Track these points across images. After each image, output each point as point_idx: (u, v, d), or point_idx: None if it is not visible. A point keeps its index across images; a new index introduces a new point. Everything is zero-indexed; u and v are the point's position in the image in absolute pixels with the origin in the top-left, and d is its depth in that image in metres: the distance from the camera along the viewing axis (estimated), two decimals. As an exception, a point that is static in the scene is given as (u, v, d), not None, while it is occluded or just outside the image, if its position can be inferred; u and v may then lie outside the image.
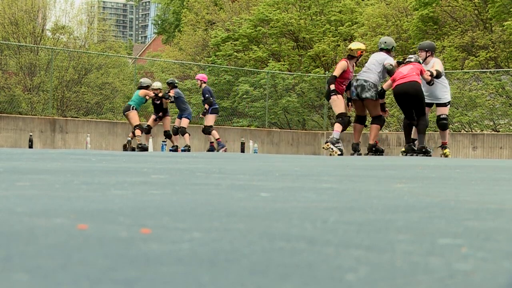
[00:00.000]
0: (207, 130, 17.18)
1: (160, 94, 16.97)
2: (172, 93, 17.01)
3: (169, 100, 17.03)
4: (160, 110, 17.26)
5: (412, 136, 13.19)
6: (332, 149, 13.25)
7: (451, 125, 21.22)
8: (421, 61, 13.01)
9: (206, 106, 17.10)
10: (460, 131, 20.94)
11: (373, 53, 14.75)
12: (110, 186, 3.26)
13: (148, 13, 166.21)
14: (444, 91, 13.11)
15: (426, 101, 12.80)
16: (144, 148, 16.69)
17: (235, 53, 29.98)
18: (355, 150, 13.60)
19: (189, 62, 29.49)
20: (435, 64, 12.94)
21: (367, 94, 12.87)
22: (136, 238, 1.55)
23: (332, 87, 13.11)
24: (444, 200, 2.88)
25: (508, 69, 22.60)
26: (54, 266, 1.20)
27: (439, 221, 2.06)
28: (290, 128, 24.11)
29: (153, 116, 17.42)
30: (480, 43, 25.26)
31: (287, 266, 1.24)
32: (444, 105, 13.16)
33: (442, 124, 13.18)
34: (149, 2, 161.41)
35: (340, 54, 28.08)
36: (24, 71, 22.64)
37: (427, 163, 8.63)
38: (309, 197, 2.90)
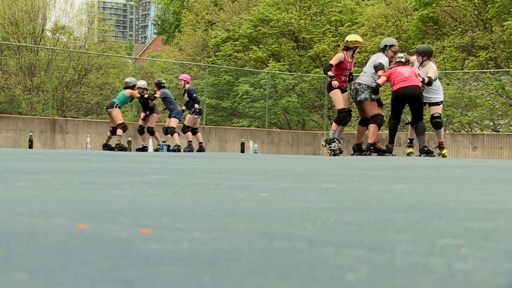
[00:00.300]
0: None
1: (146, 95, 17.08)
2: (158, 94, 17.10)
3: (152, 100, 17.15)
4: (147, 108, 17.39)
5: (409, 136, 13.44)
6: (331, 150, 13.59)
7: (451, 125, 21.23)
8: (417, 64, 13.17)
9: (197, 106, 17.16)
10: (460, 131, 20.94)
11: (374, 53, 14.84)
12: (110, 186, 3.26)
13: (148, 13, 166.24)
14: (435, 91, 13.17)
15: None
16: (123, 148, 16.84)
17: (235, 53, 29.98)
18: (355, 150, 13.68)
19: (189, 63, 29.49)
20: (430, 70, 13.00)
21: (361, 97, 13.11)
22: (136, 238, 1.55)
23: (330, 73, 13.26)
24: (444, 200, 2.88)
25: (508, 69, 22.60)
26: (54, 266, 1.20)
27: (439, 221, 2.06)
28: (290, 128, 24.11)
29: (142, 115, 17.57)
30: (480, 43, 25.27)
31: (287, 266, 1.24)
32: (436, 104, 13.21)
33: (436, 122, 13.21)
34: (149, 2, 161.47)
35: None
36: (24, 71, 22.65)
37: (427, 163, 8.63)
38: (309, 197, 2.91)
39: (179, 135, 17.36)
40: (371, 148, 13.27)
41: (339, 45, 29.35)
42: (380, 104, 13.36)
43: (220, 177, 4.39)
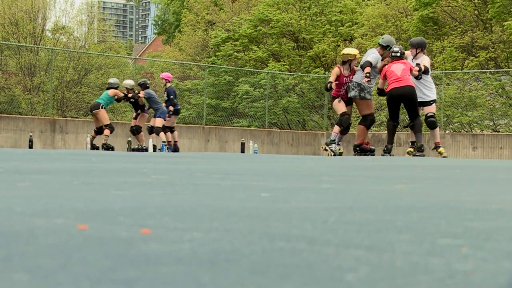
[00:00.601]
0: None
1: (130, 95, 17.13)
2: (142, 94, 17.14)
3: (133, 100, 17.21)
4: (138, 108, 17.47)
5: (410, 139, 13.62)
6: (331, 150, 13.74)
7: (451, 125, 21.23)
8: (411, 56, 13.30)
9: (171, 108, 17.19)
10: (460, 131, 20.93)
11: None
12: (110, 186, 3.26)
13: (148, 14, 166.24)
14: (427, 90, 13.23)
15: None
16: (109, 148, 16.90)
17: (235, 53, 29.97)
18: (355, 150, 13.87)
19: (189, 63, 29.48)
20: (424, 60, 13.22)
21: (351, 94, 13.42)
22: (136, 238, 1.55)
23: (330, 88, 13.59)
24: (444, 200, 2.88)
25: (508, 69, 22.59)
26: (54, 266, 1.20)
27: (439, 221, 2.06)
28: (290, 128, 24.10)
29: (134, 115, 17.67)
30: (480, 43, 25.26)
31: (287, 266, 1.24)
32: (429, 103, 13.26)
33: (430, 122, 13.26)
34: (149, 2, 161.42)
35: (340, 54, 28.06)
36: (24, 72, 22.65)
37: (427, 163, 8.64)
38: (309, 197, 2.91)
39: (165, 134, 17.38)
40: (357, 148, 13.57)
41: (339, 45, 29.35)
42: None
43: (220, 177, 4.39)
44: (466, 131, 20.94)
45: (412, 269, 1.24)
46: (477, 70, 22.71)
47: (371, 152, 13.68)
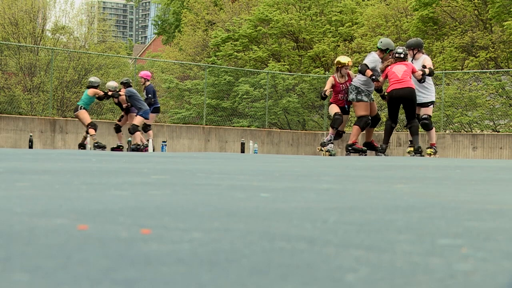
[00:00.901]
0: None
1: (110, 93, 17.18)
2: (122, 91, 17.15)
3: (114, 97, 17.25)
4: (123, 109, 17.47)
5: (409, 138, 13.73)
6: (327, 150, 13.94)
7: (451, 125, 21.22)
8: (410, 58, 13.32)
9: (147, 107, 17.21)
10: (460, 131, 20.93)
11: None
12: (110, 186, 3.26)
13: (148, 14, 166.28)
14: (426, 91, 13.22)
15: None
16: (100, 147, 16.95)
17: (235, 53, 29.98)
18: (369, 149, 14.21)
19: (189, 63, 29.48)
20: (426, 60, 13.14)
21: (349, 97, 13.69)
22: (136, 238, 1.55)
23: (324, 96, 14.00)
24: (444, 200, 2.87)
25: (508, 69, 22.59)
26: (54, 266, 1.20)
27: (439, 221, 2.06)
28: (290, 128, 24.10)
29: (118, 118, 17.83)
30: (480, 43, 25.26)
31: (287, 266, 1.24)
32: (426, 105, 13.26)
33: (423, 124, 13.27)
34: (149, 2, 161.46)
35: (340, 54, 28.07)
36: (24, 72, 22.65)
37: (427, 163, 8.64)
38: (309, 197, 2.90)
39: (142, 133, 17.33)
40: (350, 148, 13.75)
41: (339, 45, 29.37)
42: (384, 97, 13.71)
43: (220, 177, 4.39)
44: (466, 131, 20.94)
45: (412, 269, 1.24)
46: (477, 70, 22.71)
47: (363, 152, 13.88)
